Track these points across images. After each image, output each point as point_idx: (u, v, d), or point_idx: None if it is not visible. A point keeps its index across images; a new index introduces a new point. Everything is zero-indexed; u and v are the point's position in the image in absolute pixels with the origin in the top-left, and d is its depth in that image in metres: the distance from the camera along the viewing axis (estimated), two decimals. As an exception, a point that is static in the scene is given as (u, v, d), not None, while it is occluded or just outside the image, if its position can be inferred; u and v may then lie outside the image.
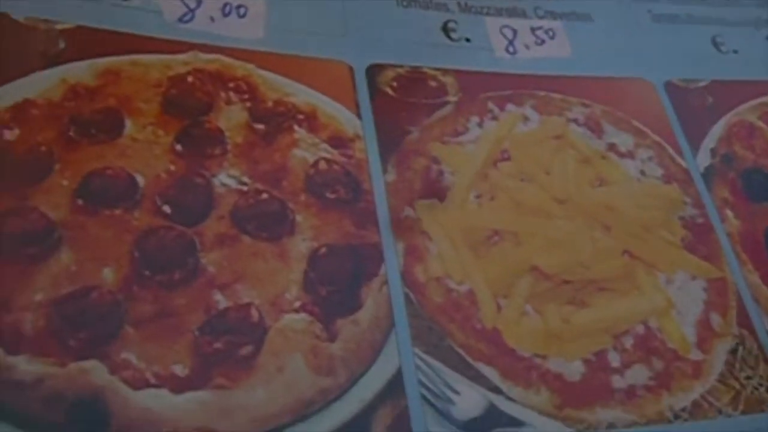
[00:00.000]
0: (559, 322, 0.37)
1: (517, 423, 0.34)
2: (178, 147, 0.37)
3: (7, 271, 0.31)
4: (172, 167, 0.36)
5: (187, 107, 0.38)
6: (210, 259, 0.34)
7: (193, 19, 0.40)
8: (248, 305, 0.33)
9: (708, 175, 0.45)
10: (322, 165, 0.38)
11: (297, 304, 0.34)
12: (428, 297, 0.36)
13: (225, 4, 0.42)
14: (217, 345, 0.32)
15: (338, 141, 0.39)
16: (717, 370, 0.38)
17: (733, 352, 0.39)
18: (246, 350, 0.32)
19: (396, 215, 0.38)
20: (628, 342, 0.38)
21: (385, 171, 0.39)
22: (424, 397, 0.33)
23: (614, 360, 0.37)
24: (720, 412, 0.37)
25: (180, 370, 0.31)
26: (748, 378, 0.38)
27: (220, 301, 0.33)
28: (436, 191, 0.40)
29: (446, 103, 0.43)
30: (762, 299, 0.41)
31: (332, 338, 0.33)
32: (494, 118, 0.44)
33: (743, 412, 0.37)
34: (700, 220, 0.43)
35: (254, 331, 0.33)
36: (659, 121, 0.46)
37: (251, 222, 0.35)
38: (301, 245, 0.35)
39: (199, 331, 0.32)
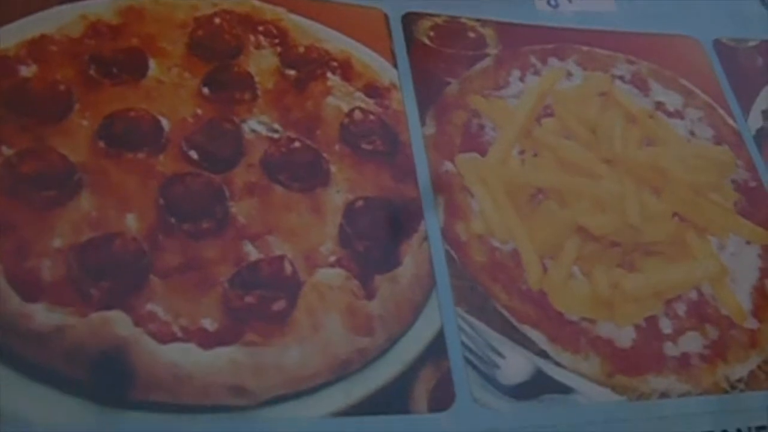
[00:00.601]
0: (608, 286, 0.35)
1: (565, 389, 0.32)
2: (206, 90, 0.34)
3: (23, 214, 0.29)
4: (199, 111, 0.33)
5: (215, 50, 0.35)
6: (240, 208, 0.31)
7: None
8: (281, 258, 0.31)
9: (760, 137, 0.43)
10: (358, 115, 0.36)
11: (332, 258, 0.32)
12: (470, 256, 0.34)
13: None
14: (249, 299, 0.29)
15: (374, 90, 0.37)
16: (774, 339, 0.36)
17: (791, 321, 0.37)
18: (279, 305, 0.30)
19: (436, 170, 0.36)
20: (681, 308, 0.36)
21: (423, 123, 0.37)
22: (467, 360, 0.31)
23: (666, 327, 0.35)
24: (777, 383, 0.35)
25: (209, 324, 0.28)
26: (807, 348, 0.36)
27: (251, 252, 0.31)
28: (477, 146, 0.37)
29: (486, 55, 0.41)
30: (819, 267, 0.39)
31: (370, 296, 0.31)
32: (536, 72, 0.41)
33: (802, 384, 0.35)
34: (752, 184, 0.41)
35: (288, 285, 0.30)
36: (708, 80, 0.44)
37: (283, 171, 0.33)
38: (336, 197, 0.33)
39: (229, 283, 0.29)
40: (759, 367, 0.35)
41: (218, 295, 0.29)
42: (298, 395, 0.28)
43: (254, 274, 0.30)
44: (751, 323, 0.36)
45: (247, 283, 0.30)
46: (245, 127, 0.34)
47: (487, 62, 0.40)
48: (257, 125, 0.34)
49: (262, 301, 0.29)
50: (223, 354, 0.28)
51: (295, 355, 0.29)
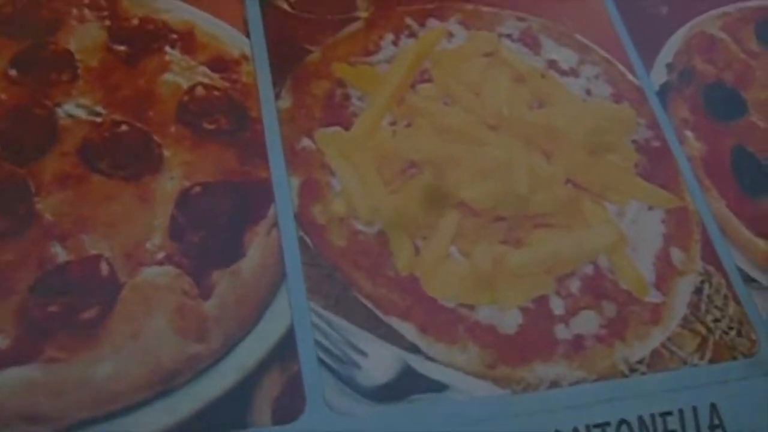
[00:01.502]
0: (491, 265, 0.31)
1: (438, 387, 0.28)
2: (13, 72, 0.30)
3: None
4: (4, 96, 0.29)
5: (28, 26, 0.31)
6: (47, 204, 0.27)
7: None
8: (96, 258, 0.27)
9: (664, 92, 0.39)
10: (200, 91, 0.32)
11: (161, 254, 0.27)
12: (329, 241, 0.30)
13: None
14: (52, 308, 0.25)
15: (220, 63, 0.33)
16: (679, 313, 0.32)
17: (698, 291, 0.33)
18: (90, 313, 0.25)
19: (291, 147, 0.32)
20: (574, 285, 0.32)
21: (278, 97, 0.33)
22: (321, 361, 0.27)
23: (557, 307, 0.31)
24: (684, 362, 0.31)
25: (0, 341, 0.24)
26: (716, 321, 0.33)
27: (59, 254, 0.26)
28: (340, 118, 0.33)
29: (355, 18, 0.37)
30: (730, 229, 0.35)
31: (206, 295, 0.27)
32: (412, 35, 0.37)
33: (711, 361, 0.32)
34: (655, 143, 0.37)
35: (103, 289, 0.26)
36: (607, 34, 0.40)
37: (105, 159, 0.29)
38: (168, 184, 0.29)
39: (29, 291, 0.25)
40: (663, 345, 0.32)
41: (15, 305, 0.25)
42: (109, 417, 0.24)
43: (61, 279, 0.26)
44: (655, 296, 0.33)
45: (52, 290, 0.26)
46: (60, 112, 0.29)
47: (355, 26, 0.36)
48: (75, 109, 0.30)
49: (68, 309, 0.25)
50: (17, 375, 0.24)
51: (106, 369, 0.25)
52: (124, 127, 0.30)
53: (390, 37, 0.37)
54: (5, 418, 0.23)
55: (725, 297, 0.33)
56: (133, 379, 0.25)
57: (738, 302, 0.33)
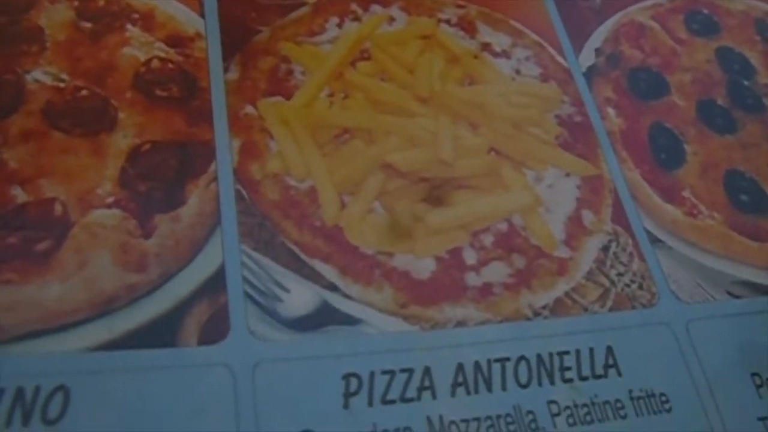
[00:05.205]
0: (411, 220, 0.35)
1: (352, 321, 0.32)
2: (-12, 43, 0.34)
3: None
4: (-22, 63, 0.33)
5: (4, 4, 0.35)
6: (12, 154, 0.31)
7: None
8: (51, 200, 0.31)
9: (590, 74, 0.42)
10: (155, 63, 0.36)
11: (110, 199, 0.31)
12: (263, 194, 0.34)
13: None
14: (11, 240, 0.29)
15: (176, 40, 0.37)
16: (585, 267, 0.36)
17: (605, 249, 0.37)
18: (43, 246, 0.29)
19: (234, 113, 0.35)
20: (488, 239, 0.35)
21: (227, 70, 0.37)
22: (248, 295, 0.31)
23: (470, 257, 0.35)
24: (585, 309, 0.35)
25: (-37, 265, 0.28)
26: (620, 275, 0.36)
27: (19, 195, 0.30)
28: (282, 90, 0.37)
29: (304, 3, 0.41)
30: (641, 196, 0.39)
31: (147, 235, 0.31)
32: (356, 18, 0.41)
33: (611, 309, 0.35)
34: (578, 118, 0.41)
35: (55, 226, 0.30)
36: (541, 21, 0.44)
37: (66, 118, 0.33)
38: (121, 141, 0.33)
39: (-9, 226, 0.29)
40: (566, 294, 0.35)
41: (-23, 237, 0.29)
42: (54, 331, 0.28)
43: (20, 217, 0.30)
44: (563, 252, 0.36)
45: (11, 226, 0.29)
46: (28, 78, 0.33)
47: (303, 10, 0.40)
48: (42, 75, 0.34)
49: (24, 241, 0.29)
50: (-24, 293, 0.28)
51: (55, 291, 0.29)
52: (84, 92, 0.34)
53: (335, 20, 0.40)
54: (-36, 327, 0.27)
55: (630, 255, 0.37)
56: (78, 301, 0.29)
57: (642, 259, 0.37)
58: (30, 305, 0.28)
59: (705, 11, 0.47)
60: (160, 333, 0.29)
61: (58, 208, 0.30)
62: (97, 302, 0.29)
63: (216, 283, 0.31)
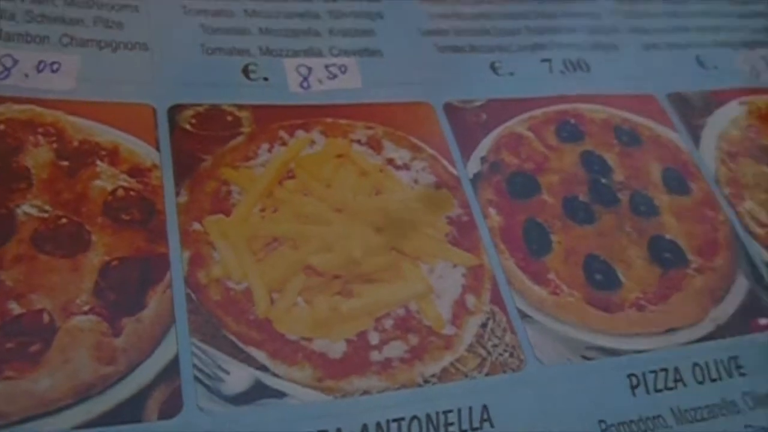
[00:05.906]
0: (327, 311, 0.44)
1: (280, 394, 0.41)
2: (-15, 185, 0.43)
3: None
4: (-24, 202, 0.42)
5: (-1, 152, 0.44)
6: (8, 275, 0.40)
7: (9, 77, 0.47)
8: (40, 311, 0.39)
9: (476, 180, 0.52)
10: (120, 192, 0.45)
11: (86, 307, 0.40)
12: (208, 296, 0.43)
13: (40, 62, 0.48)
14: (9, 345, 0.38)
15: (136, 171, 0.46)
16: (467, 341, 0.45)
17: (484, 325, 0.46)
18: (35, 348, 0.38)
19: (185, 230, 0.45)
20: (389, 323, 0.44)
21: (178, 194, 0.46)
22: (196, 378, 0.40)
23: (374, 339, 0.44)
24: (466, 375, 0.44)
25: (-26, 367, 0.37)
26: (495, 346, 0.45)
27: (15, 308, 0.39)
28: (223, 208, 0.46)
29: (240, 133, 0.50)
30: (514, 280, 0.48)
31: (117, 334, 0.40)
32: (284, 143, 0.50)
33: (487, 374, 0.44)
34: (465, 218, 0.50)
35: (44, 331, 0.39)
36: (436, 136, 0.54)
37: (49, 243, 0.42)
38: (94, 259, 0.42)
39: (-6, 334, 0.38)
40: (451, 364, 0.44)
41: (-17, 344, 0.38)
42: (47, 415, 0.37)
43: (16, 326, 0.38)
44: (449, 330, 0.45)
45: (9, 333, 0.38)
46: (19, 211, 0.42)
47: (240, 139, 0.50)
48: (30, 208, 0.43)
49: (20, 345, 0.38)
50: (-16, 388, 0.36)
51: (45, 384, 0.37)
52: (64, 220, 0.43)
53: (266, 146, 0.50)
54: (-24, 416, 0.36)
55: (504, 329, 0.46)
56: (64, 390, 0.37)
57: (514, 332, 0.46)
58: (27, 395, 0.37)
59: (572, 121, 0.57)
60: (128, 412, 0.38)
61: (45, 317, 0.39)
62: (78, 390, 0.38)
63: (172, 370, 0.40)
